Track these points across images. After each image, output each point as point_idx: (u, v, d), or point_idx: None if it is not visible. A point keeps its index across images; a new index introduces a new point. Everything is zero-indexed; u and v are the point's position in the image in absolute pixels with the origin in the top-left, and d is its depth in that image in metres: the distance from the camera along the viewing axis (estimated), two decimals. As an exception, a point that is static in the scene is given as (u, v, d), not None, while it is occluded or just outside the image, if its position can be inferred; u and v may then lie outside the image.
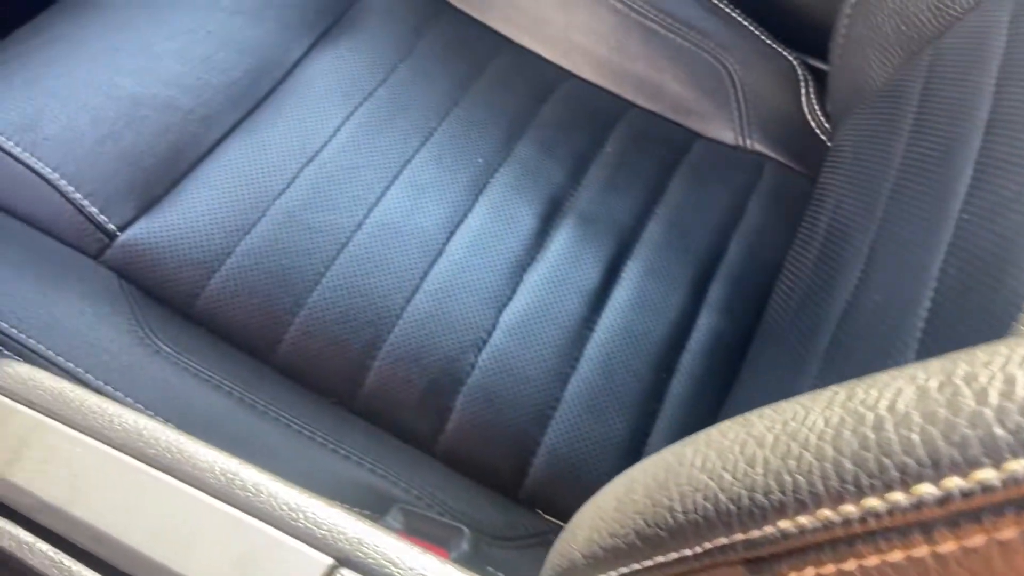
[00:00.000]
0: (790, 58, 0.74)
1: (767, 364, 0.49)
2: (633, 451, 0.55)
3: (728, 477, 0.21)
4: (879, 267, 0.42)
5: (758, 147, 0.72)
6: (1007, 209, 0.34)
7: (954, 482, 0.16)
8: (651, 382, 0.58)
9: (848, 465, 0.18)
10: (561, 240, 0.63)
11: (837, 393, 0.20)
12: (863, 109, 0.63)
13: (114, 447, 0.30)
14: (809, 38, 0.79)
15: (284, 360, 0.56)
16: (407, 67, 0.68)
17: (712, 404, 0.57)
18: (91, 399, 0.32)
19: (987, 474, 0.16)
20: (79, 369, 0.44)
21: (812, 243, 0.55)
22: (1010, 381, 0.17)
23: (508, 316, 0.59)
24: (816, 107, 0.73)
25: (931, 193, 0.42)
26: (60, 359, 0.44)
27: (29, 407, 0.31)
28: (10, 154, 0.55)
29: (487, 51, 0.72)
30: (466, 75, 0.69)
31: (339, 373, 0.56)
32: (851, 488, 0.18)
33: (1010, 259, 0.32)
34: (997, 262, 0.33)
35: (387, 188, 0.62)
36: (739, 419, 0.24)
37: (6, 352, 0.43)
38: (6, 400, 0.31)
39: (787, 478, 0.19)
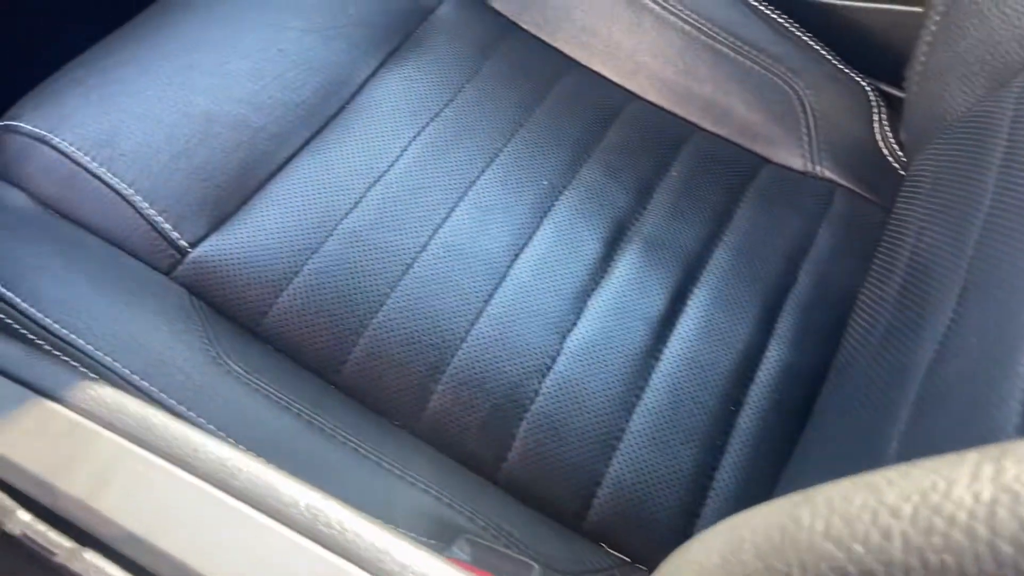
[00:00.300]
0: (862, 83, 0.73)
1: (846, 406, 0.47)
2: (699, 486, 0.54)
3: (859, 549, 0.20)
4: (974, 308, 0.40)
5: (828, 173, 0.71)
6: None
7: None
8: (718, 415, 0.56)
9: (1006, 549, 0.17)
10: (626, 266, 0.62)
11: (981, 465, 0.19)
12: (943, 138, 0.61)
13: (198, 477, 0.30)
14: (882, 63, 0.77)
15: (348, 381, 0.56)
16: (473, 88, 0.68)
17: (782, 441, 0.55)
18: (174, 426, 0.32)
19: None
20: (153, 388, 0.44)
21: (891, 278, 0.54)
22: None
23: (572, 342, 0.58)
24: (888, 134, 0.72)
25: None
26: (135, 378, 0.44)
27: (114, 432, 0.31)
28: (87, 169, 0.55)
29: (553, 72, 0.71)
30: (532, 96, 0.69)
31: (402, 395, 0.56)
32: (1009, 574, 0.17)
33: None
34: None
35: (452, 209, 0.61)
36: (860, 482, 0.23)
37: (81, 368, 0.44)
38: (92, 425, 0.31)
39: (932, 557, 0.18)
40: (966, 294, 0.41)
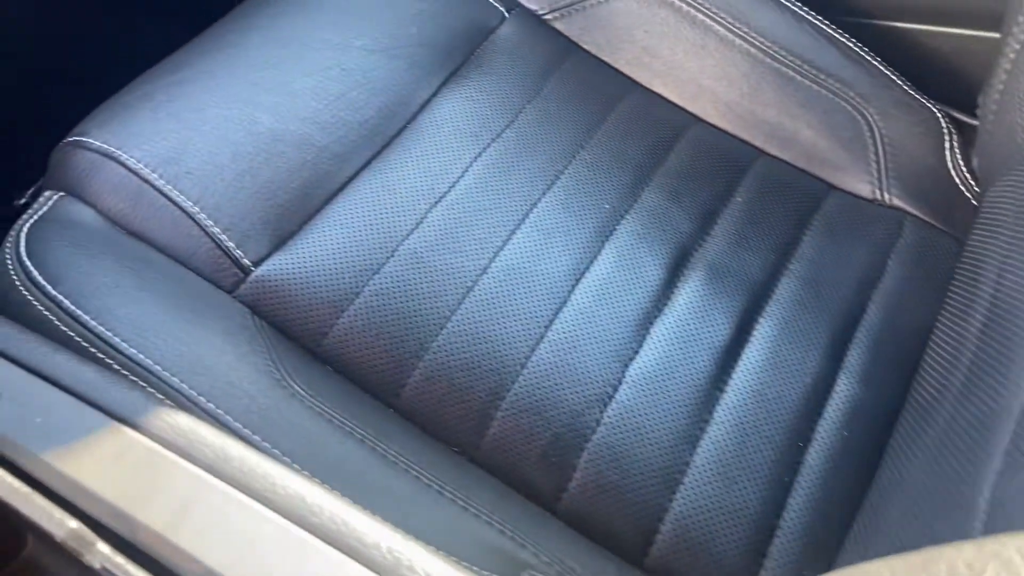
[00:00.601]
0: (934, 109, 0.71)
1: (929, 450, 0.45)
2: (767, 525, 0.52)
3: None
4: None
5: (898, 202, 0.69)
6: None
7: None
8: (786, 451, 0.55)
9: None
10: (689, 293, 0.61)
11: None
12: (1017, 172, 0.59)
13: (278, 512, 0.29)
14: (954, 89, 0.75)
15: (407, 405, 0.55)
16: (534, 108, 0.67)
17: (853, 480, 0.54)
18: (252, 457, 0.31)
19: None
20: (219, 411, 0.43)
21: (972, 316, 0.52)
22: None
23: (634, 371, 0.57)
24: (961, 162, 0.69)
25: None
26: (201, 399, 0.44)
27: (192, 463, 0.31)
28: (154, 186, 0.56)
29: (614, 94, 0.70)
30: (593, 118, 0.68)
31: (462, 421, 0.55)
32: None
33: None
34: None
35: (513, 232, 0.61)
36: (987, 549, 0.21)
37: (149, 389, 0.43)
38: (170, 455, 0.31)
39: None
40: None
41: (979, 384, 0.44)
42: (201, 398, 0.44)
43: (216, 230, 0.55)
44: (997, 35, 0.66)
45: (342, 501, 0.31)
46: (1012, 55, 0.62)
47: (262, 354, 0.50)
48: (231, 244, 0.55)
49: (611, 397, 0.56)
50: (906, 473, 0.46)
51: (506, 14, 0.73)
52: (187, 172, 0.56)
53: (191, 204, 0.55)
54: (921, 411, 0.50)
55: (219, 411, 0.43)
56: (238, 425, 0.44)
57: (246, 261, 0.55)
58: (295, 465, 0.42)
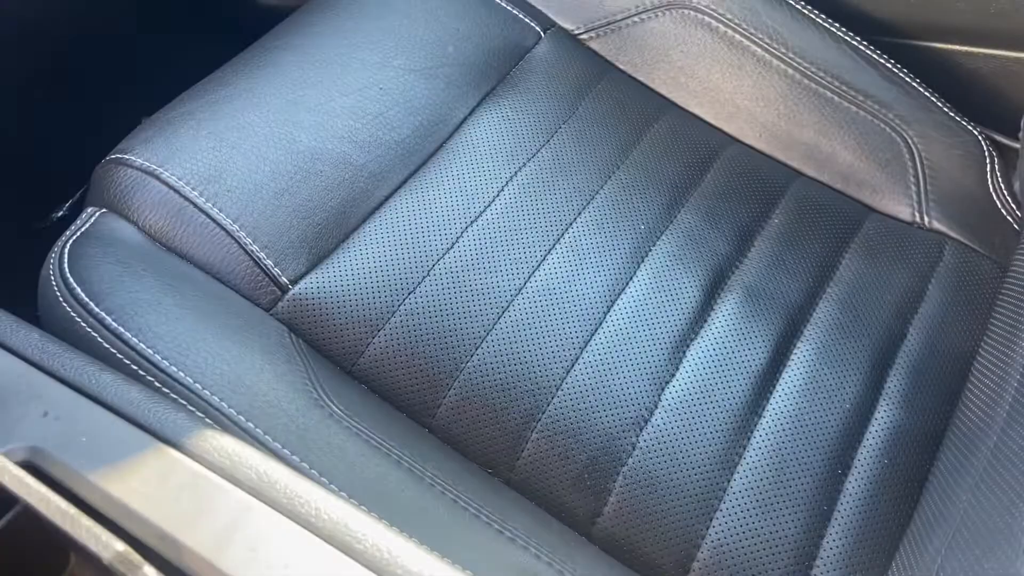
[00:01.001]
0: (975, 132, 0.70)
1: (973, 482, 0.44)
2: (806, 554, 0.51)
3: None
4: None
5: (937, 225, 0.68)
6: None
7: None
8: (825, 478, 0.54)
9: None
10: (725, 315, 0.60)
11: None
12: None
13: (322, 538, 0.29)
14: (994, 111, 0.74)
15: (442, 425, 0.55)
16: (569, 128, 0.67)
17: (894, 510, 0.53)
18: (295, 481, 0.31)
19: None
20: (258, 430, 0.44)
21: (1016, 343, 0.51)
22: None
23: (670, 394, 0.56)
24: (1002, 186, 0.68)
25: None
26: (240, 418, 0.44)
27: (237, 486, 0.31)
28: (194, 204, 0.56)
29: (650, 113, 0.70)
30: (628, 138, 0.68)
31: (496, 442, 0.54)
32: None
33: None
34: None
35: (548, 252, 0.60)
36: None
37: (190, 407, 0.44)
38: (216, 478, 0.31)
39: None
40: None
41: (1019, 422, 0.44)
42: (241, 417, 0.44)
43: (255, 248, 0.55)
44: (1040, 57, 0.65)
45: (384, 527, 0.31)
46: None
47: (300, 373, 0.50)
48: (270, 262, 0.55)
49: (647, 421, 0.55)
50: (950, 505, 0.45)
51: (542, 34, 0.73)
52: (227, 190, 0.57)
53: (231, 222, 0.56)
54: (965, 440, 0.49)
55: (259, 430, 0.44)
56: (277, 445, 0.44)
57: (284, 279, 0.56)
58: (334, 486, 0.42)
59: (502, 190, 0.63)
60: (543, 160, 0.65)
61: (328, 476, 0.43)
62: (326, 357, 0.55)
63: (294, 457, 0.43)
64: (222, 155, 0.58)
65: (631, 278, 0.61)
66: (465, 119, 0.66)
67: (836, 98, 0.70)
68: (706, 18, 0.71)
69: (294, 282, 0.56)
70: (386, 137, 0.62)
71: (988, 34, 0.74)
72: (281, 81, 0.64)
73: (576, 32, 0.75)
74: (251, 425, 0.43)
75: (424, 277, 0.58)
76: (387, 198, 0.61)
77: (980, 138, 0.70)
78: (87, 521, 0.29)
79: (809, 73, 0.71)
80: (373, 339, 0.56)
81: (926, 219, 0.68)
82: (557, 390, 0.56)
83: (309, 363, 0.51)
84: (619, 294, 0.60)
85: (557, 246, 0.61)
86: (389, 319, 0.56)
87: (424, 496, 0.45)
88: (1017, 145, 0.69)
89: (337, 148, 0.61)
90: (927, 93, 0.71)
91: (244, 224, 0.56)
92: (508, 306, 0.58)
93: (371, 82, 0.65)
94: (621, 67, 0.74)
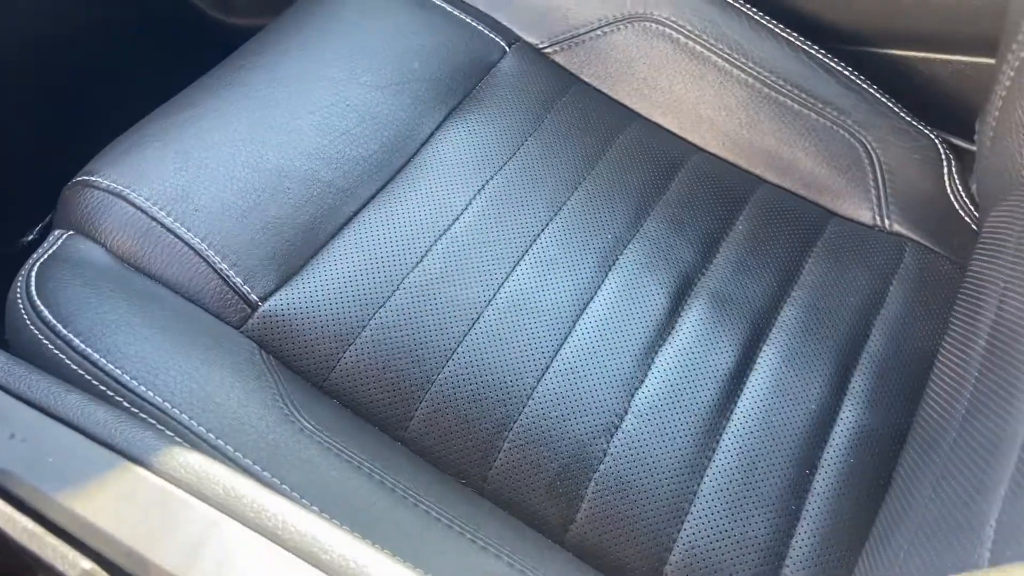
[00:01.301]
0: (932, 136, 0.71)
1: (934, 479, 0.45)
2: (776, 554, 0.52)
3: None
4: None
5: (898, 228, 0.69)
6: None
7: None
8: (793, 478, 0.55)
9: None
10: (692, 321, 0.61)
11: None
12: (1017, 197, 0.59)
13: (289, 550, 0.29)
14: (951, 115, 0.76)
15: (414, 437, 0.55)
16: (536, 141, 0.68)
17: (861, 508, 0.54)
18: (263, 495, 0.32)
19: None
20: (229, 447, 0.44)
21: (974, 341, 0.52)
22: None
23: (640, 400, 0.57)
24: (959, 188, 0.70)
25: None
26: (211, 436, 0.44)
27: (204, 501, 0.31)
28: (162, 224, 0.56)
29: (615, 125, 0.71)
30: (594, 149, 0.69)
31: (469, 453, 0.55)
32: None
33: None
34: None
35: (517, 263, 0.61)
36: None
37: (159, 426, 0.44)
38: (181, 493, 0.31)
39: None
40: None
41: (983, 411, 0.45)
42: (210, 435, 0.44)
43: (224, 266, 0.56)
44: (993, 61, 0.67)
45: (352, 538, 0.31)
46: (1007, 82, 0.63)
47: (270, 389, 0.50)
48: (239, 280, 0.56)
49: (617, 427, 0.56)
50: (912, 501, 0.46)
51: (507, 48, 0.74)
52: (195, 210, 0.57)
53: (199, 241, 0.56)
54: (926, 438, 0.50)
55: (229, 447, 0.44)
56: (248, 462, 0.44)
57: (253, 297, 0.56)
58: (304, 500, 0.42)
59: (470, 203, 0.64)
60: (510, 173, 0.66)
61: (299, 491, 0.43)
62: (297, 373, 0.55)
63: (265, 473, 0.43)
64: (189, 174, 0.59)
65: (599, 287, 0.62)
66: (432, 134, 0.67)
67: (796, 106, 0.72)
68: (667, 30, 0.73)
69: (264, 299, 0.56)
70: (353, 153, 0.63)
71: (944, 40, 0.76)
72: (248, 100, 0.64)
73: (541, 46, 0.76)
74: (221, 443, 0.44)
75: (394, 291, 0.58)
76: (355, 214, 0.61)
77: (937, 142, 0.71)
78: (53, 540, 0.29)
79: (769, 82, 0.72)
80: (344, 354, 0.56)
81: (886, 222, 0.69)
82: (528, 399, 0.56)
83: (280, 379, 0.52)
84: (587, 303, 0.61)
85: (525, 257, 0.62)
86: (359, 333, 0.57)
87: (396, 508, 0.45)
88: (973, 148, 0.70)
89: (304, 165, 0.61)
90: (885, 99, 0.72)
91: (212, 243, 0.56)
92: (478, 318, 0.59)
93: (338, 99, 0.65)
94: (586, 80, 0.75)
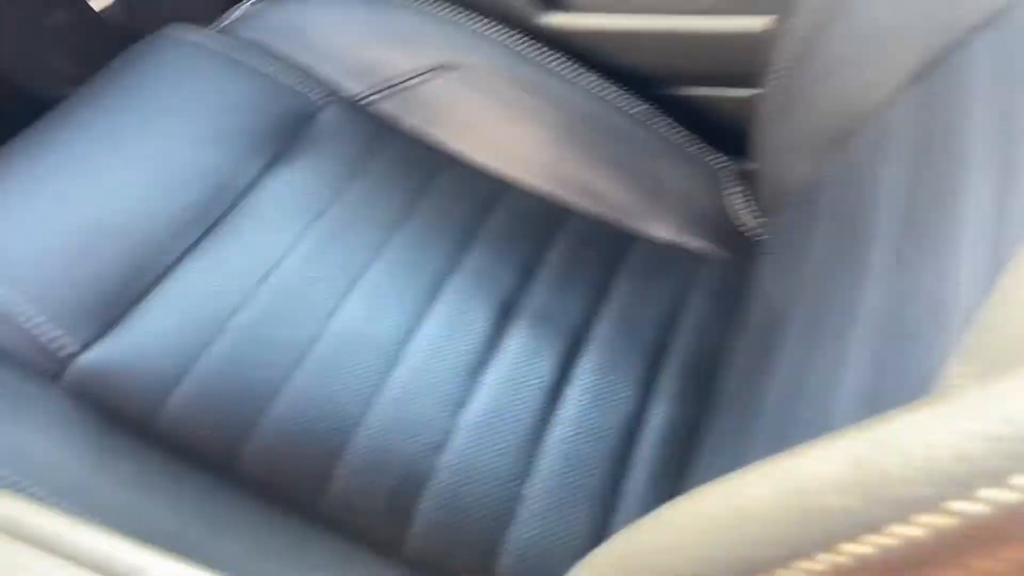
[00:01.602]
0: (718, 160, 0.80)
1: (727, 463, 0.51)
2: (600, 539, 0.56)
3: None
4: (804, 349, 0.45)
5: (694, 243, 0.77)
6: (914, 298, 0.38)
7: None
8: (610, 475, 0.59)
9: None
10: (514, 342, 0.65)
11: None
12: (786, 208, 0.68)
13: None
14: (734, 141, 0.85)
15: (246, 473, 0.56)
16: (356, 186, 0.71)
17: (671, 490, 0.59)
18: (82, 535, 0.32)
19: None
20: (43, 493, 0.44)
21: (748, 331, 0.59)
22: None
23: (466, 417, 0.60)
24: (744, 206, 0.79)
25: (846, 286, 0.46)
26: (26, 483, 0.44)
27: (13, 541, 0.31)
28: (-31, 284, 0.56)
29: (435, 166, 0.76)
30: (414, 191, 0.73)
31: (303, 483, 0.56)
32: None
33: (923, 336, 0.36)
34: (911, 339, 0.36)
35: (342, 300, 0.64)
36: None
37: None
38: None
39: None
40: (797, 340, 0.46)
41: (749, 383, 0.51)
42: (26, 481, 0.44)
43: (40, 319, 0.55)
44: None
45: (172, 563, 0.32)
46: (767, 109, 0.72)
47: (87, 437, 0.50)
48: (57, 332, 0.56)
49: (445, 444, 0.59)
50: (704, 469, 0.52)
51: (326, 100, 0.78)
52: (11, 264, 0.57)
53: (15, 294, 0.56)
54: (712, 415, 0.56)
55: (43, 493, 0.44)
56: (68, 508, 0.44)
57: (71, 349, 0.56)
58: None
59: (293, 246, 0.66)
60: (333, 216, 0.68)
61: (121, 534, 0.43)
62: (121, 421, 0.55)
63: (85, 515, 0.43)
64: (4, 233, 0.58)
65: (424, 316, 0.65)
66: (253, 182, 0.69)
67: (601, 140, 0.79)
68: (478, 77, 0.79)
69: (82, 350, 0.56)
70: (172, 204, 0.64)
71: (722, 78, 0.86)
72: (66, 156, 0.65)
73: (360, 96, 0.80)
74: (36, 488, 0.44)
75: (217, 335, 0.60)
76: (177, 261, 0.63)
77: (721, 165, 0.80)
78: None
79: (575, 123, 0.79)
80: (168, 399, 0.56)
81: (685, 239, 0.77)
82: (357, 426, 0.58)
83: (97, 427, 0.52)
84: (414, 332, 0.64)
85: (352, 294, 0.65)
86: (182, 378, 0.57)
87: (220, 544, 0.46)
88: (754, 166, 0.79)
89: (123, 218, 0.62)
90: (676, 130, 0.81)
91: (30, 296, 0.56)
92: (306, 353, 0.61)
93: (156, 152, 0.67)
94: (406, 126, 0.80)
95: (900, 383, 0.34)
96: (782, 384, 0.46)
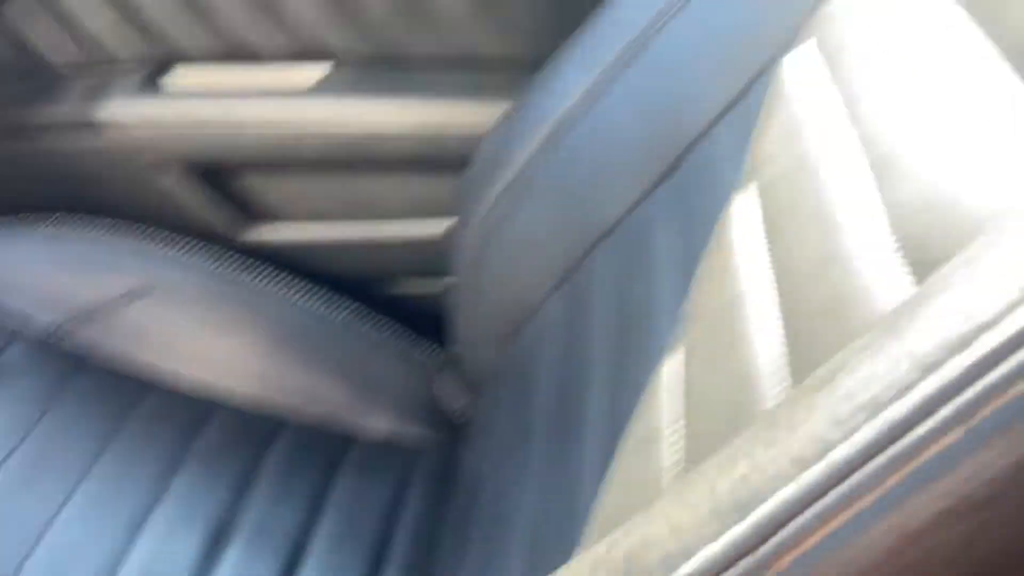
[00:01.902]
0: (426, 350, 0.85)
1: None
2: None
3: None
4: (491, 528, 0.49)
5: (413, 432, 0.80)
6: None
7: None
8: None
9: None
10: (229, 562, 0.64)
11: None
12: (483, 390, 0.74)
13: None
14: (439, 330, 0.92)
15: None
16: (41, 429, 0.68)
17: None
18: None
19: None
20: None
21: (457, 509, 0.63)
22: None
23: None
24: (453, 389, 0.84)
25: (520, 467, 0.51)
26: None
27: None
28: None
29: (133, 396, 0.74)
30: (109, 425, 0.70)
31: None
32: None
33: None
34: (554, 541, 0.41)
35: (26, 558, 0.59)
36: None
37: None
38: None
39: None
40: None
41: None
42: None
43: None
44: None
45: None
46: (459, 302, 0.79)
47: None
48: None
49: None
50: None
51: (7, 340, 0.74)
52: None
53: None
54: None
55: None
56: None
57: None
58: None
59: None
60: (11, 468, 0.64)
61: None
62: None
63: None
64: None
65: (125, 555, 0.62)
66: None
67: (311, 344, 0.82)
68: (174, 297, 0.79)
69: None
70: None
71: (421, 274, 0.93)
72: None
73: (54, 327, 0.77)
74: None
75: None
76: None
77: (430, 353, 0.85)
78: None
79: (283, 328, 0.82)
80: None
81: (402, 430, 0.80)
82: None
83: None
84: (120, 563, 0.61)
85: (38, 547, 0.60)
86: None
87: None
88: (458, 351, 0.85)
89: None
90: (384, 326, 0.85)
91: None
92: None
93: None
94: (106, 354, 0.77)
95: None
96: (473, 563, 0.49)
